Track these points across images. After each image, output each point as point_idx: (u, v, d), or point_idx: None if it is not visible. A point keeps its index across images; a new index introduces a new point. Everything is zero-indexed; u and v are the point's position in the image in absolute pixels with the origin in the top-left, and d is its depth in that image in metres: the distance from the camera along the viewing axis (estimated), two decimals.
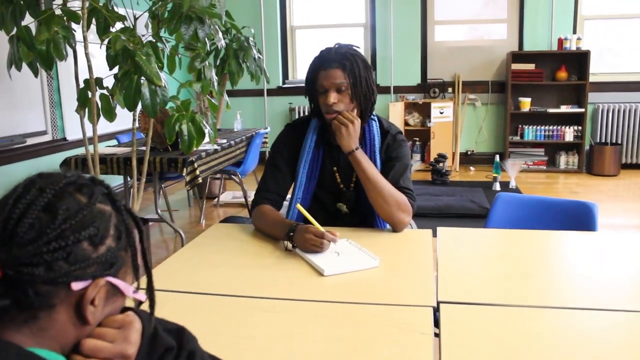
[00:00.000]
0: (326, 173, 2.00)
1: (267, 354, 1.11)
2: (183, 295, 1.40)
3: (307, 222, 1.70)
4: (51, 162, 4.35)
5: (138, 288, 0.78)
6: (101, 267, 0.71)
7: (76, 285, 0.69)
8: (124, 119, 3.27)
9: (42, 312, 0.68)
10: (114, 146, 4.24)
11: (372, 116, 2.00)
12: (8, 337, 0.66)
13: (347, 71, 1.83)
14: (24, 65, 2.71)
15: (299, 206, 1.73)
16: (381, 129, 2.01)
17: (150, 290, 0.80)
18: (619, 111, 6.47)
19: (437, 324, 1.23)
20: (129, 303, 0.80)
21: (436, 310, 1.28)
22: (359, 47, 1.94)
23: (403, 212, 1.85)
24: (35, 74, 2.86)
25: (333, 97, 1.83)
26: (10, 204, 0.68)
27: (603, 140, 6.53)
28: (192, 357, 0.83)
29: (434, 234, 1.85)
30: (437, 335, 1.19)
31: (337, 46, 1.89)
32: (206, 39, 3.00)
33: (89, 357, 0.72)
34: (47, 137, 4.50)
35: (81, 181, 0.74)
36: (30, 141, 4.28)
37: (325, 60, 1.86)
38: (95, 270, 0.70)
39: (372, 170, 1.85)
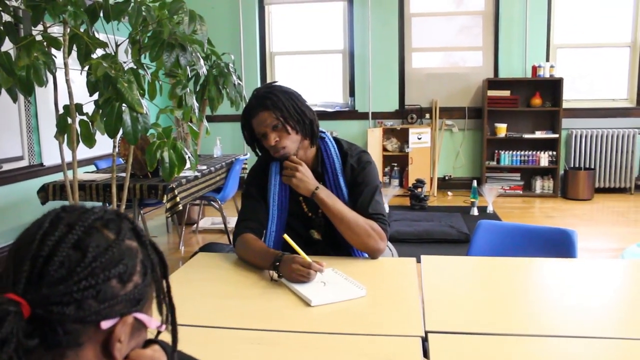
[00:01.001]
0: (294, 202, 2.01)
1: None
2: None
3: (291, 251, 1.70)
4: (28, 188, 4.28)
5: (163, 321, 0.78)
6: (129, 304, 0.71)
7: (105, 324, 0.68)
8: (103, 144, 3.25)
9: (70, 350, 0.67)
10: (92, 172, 4.19)
11: (323, 135, 2.01)
12: None
13: (270, 109, 1.86)
14: (3, 91, 2.69)
15: (285, 237, 1.73)
16: (340, 151, 2.01)
17: (173, 326, 0.79)
18: (591, 137, 6.62)
19: (425, 354, 1.23)
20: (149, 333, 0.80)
21: (424, 340, 1.28)
22: (276, 81, 1.98)
23: (374, 240, 1.85)
24: (14, 99, 2.84)
25: (273, 137, 1.87)
26: (38, 240, 0.67)
27: (577, 165, 6.66)
28: None
29: (418, 260, 1.86)
30: None
31: (255, 92, 1.94)
32: (187, 66, 3.01)
33: None
34: (24, 163, 4.44)
35: (108, 216, 0.73)
36: (6, 167, 4.22)
37: (250, 109, 1.91)
38: (123, 308, 0.70)
39: (336, 205, 1.86)
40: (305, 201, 2.01)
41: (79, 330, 0.67)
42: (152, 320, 0.76)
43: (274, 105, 1.86)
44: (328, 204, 1.86)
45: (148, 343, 0.80)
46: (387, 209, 5.88)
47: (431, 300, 1.52)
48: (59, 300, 0.65)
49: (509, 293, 1.63)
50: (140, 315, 0.74)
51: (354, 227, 1.84)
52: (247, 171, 2.14)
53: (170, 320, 0.79)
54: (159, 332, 0.80)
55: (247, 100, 1.95)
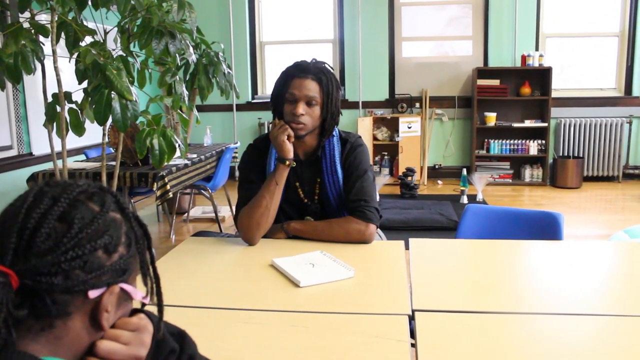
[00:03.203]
0: (290, 188, 2.00)
1: None
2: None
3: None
4: (17, 177, 4.27)
5: (148, 293, 0.80)
6: (115, 274, 0.72)
7: (93, 294, 0.70)
8: (92, 133, 3.24)
9: (59, 320, 0.68)
10: (82, 161, 4.18)
11: (334, 134, 2.02)
12: (24, 347, 0.66)
13: (322, 85, 1.86)
14: None
15: None
16: (341, 139, 2.02)
17: (158, 296, 0.81)
18: (580, 126, 6.66)
19: (412, 334, 1.25)
20: (135, 305, 0.82)
21: (411, 318, 1.30)
22: (333, 69, 1.97)
23: (356, 233, 1.88)
24: (2, 87, 2.82)
25: (302, 108, 1.85)
26: (23, 214, 0.68)
27: (566, 154, 6.71)
28: None
29: (406, 247, 1.87)
30: (413, 345, 1.21)
31: (314, 60, 1.92)
32: (176, 54, 3.00)
33: (104, 359, 0.73)
34: (13, 152, 4.42)
35: (92, 190, 0.75)
36: None
37: (302, 70, 1.87)
38: (109, 278, 0.72)
39: (307, 228, 1.92)
40: (301, 187, 2.02)
41: (67, 300, 0.68)
42: (137, 291, 0.78)
43: (326, 85, 1.87)
44: (301, 230, 1.91)
45: (134, 312, 0.81)
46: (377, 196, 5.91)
47: (419, 280, 1.55)
48: (47, 270, 0.66)
49: (495, 273, 1.65)
50: (126, 286, 0.75)
51: (329, 235, 1.88)
52: (239, 159, 2.14)
53: (156, 290, 0.81)
54: (143, 305, 0.82)
55: (299, 61, 1.93)
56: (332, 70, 1.94)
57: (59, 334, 0.69)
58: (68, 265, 0.67)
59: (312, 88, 1.85)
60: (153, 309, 0.84)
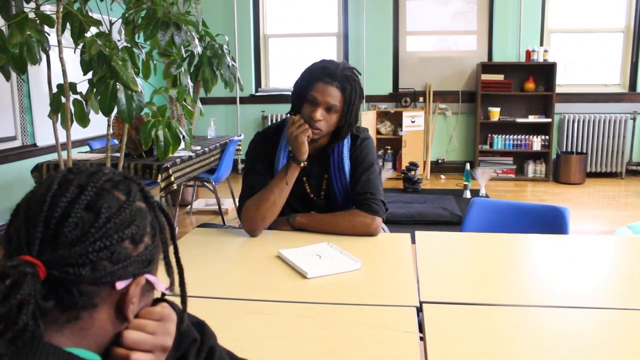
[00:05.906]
0: (297, 183, 1.97)
1: (253, 355, 1.11)
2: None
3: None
4: (21, 168, 4.27)
5: (172, 284, 0.78)
6: (141, 265, 0.71)
7: (120, 285, 0.69)
8: (96, 125, 3.24)
9: (85, 312, 0.67)
10: (86, 152, 4.19)
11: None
12: (49, 338, 0.65)
13: (345, 94, 1.81)
14: None
15: None
16: (351, 135, 2.00)
17: (182, 287, 0.80)
18: (583, 121, 6.65)
19: (420, 323, 1.25)
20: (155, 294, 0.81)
21: (419, 310, 1.30)
22: (360, 74, 1.93)
23: (362, 226, 1.87)
24: (7, 77, 2.82)
25: (319, 114, 1.81)
26: (49, 202, 0.66)
27: (569, 150, 6.70)
28: (212, 352, 0.84)
29: (412, 241, 1.87)
30: (421, 339, 1.21)
31: (343, 63, 1.87)
32: (181, 46, 3.00)
33: (131, 350, 0.72)
34: (17, 143, 4.41)
35: (117, 178, 0.73)
36: None
37: (328, 74, 1.82)
38: (135, 269, 0.70)
39: (314, 223, 1.92)
40: (308, 182, 2.01)
41: (93, 292, 0.67)
42: (160, 282, 0.77)
43: (349, 95, 1.82)
44: (306, 223, 1.92)
45: (156, 302, 0.80)
46: None
47: (426, 273, 1.55)
48: (75, 261, 0.64)
49: (501, 266, 1.65)
50: (151, 277, 0.74)
51: (335, 228, 1.88)
52: (246, 149, 2.10)
53: (179, 281, 0.79)
54: (163, 294, 0.80)
55: (327, 62, 1.87)
56: (358, 78, 1.88)
57: (84, 325, 0.68)
58: (96, 256, 0.66)
59: (334, 95, 1.81)
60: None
